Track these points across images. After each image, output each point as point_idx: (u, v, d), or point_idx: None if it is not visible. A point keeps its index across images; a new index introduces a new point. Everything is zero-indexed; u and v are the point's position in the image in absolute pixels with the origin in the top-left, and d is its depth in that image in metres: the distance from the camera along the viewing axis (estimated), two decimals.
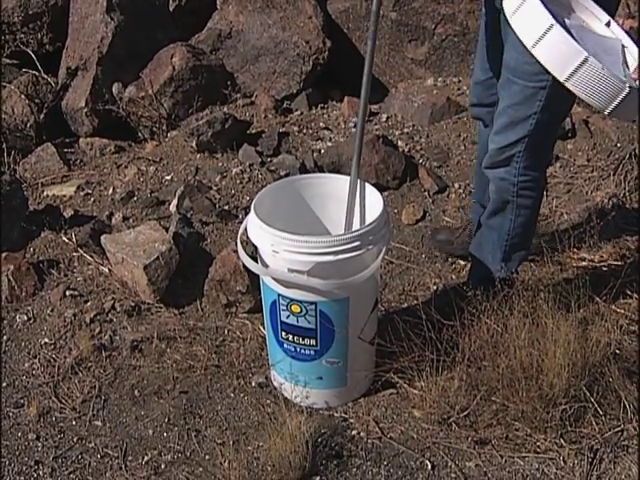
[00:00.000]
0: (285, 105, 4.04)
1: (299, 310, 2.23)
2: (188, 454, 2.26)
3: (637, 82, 1.97)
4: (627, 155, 3.40)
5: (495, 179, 2.48)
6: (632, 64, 2.08)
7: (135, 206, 3.42)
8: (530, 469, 2.16)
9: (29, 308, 2.91)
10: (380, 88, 4.37)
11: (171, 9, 4.56)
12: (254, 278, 2.70)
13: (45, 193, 3.71)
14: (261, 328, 2.69)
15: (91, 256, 3.11)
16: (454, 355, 2.27)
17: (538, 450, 2.20)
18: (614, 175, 3.38)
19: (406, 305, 2.80)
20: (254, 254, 2.34)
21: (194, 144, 3.61)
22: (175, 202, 3.34)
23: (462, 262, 2.99)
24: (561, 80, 1.94)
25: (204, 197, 3.32)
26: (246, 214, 3.33)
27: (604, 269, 2.82)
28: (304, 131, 3.78)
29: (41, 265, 3.06)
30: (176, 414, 2.40)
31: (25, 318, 2.87)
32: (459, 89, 4.21)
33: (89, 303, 2.89)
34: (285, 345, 2.33)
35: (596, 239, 2.84)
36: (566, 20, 2.11)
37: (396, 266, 3.03)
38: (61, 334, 2.77)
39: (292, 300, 2.22)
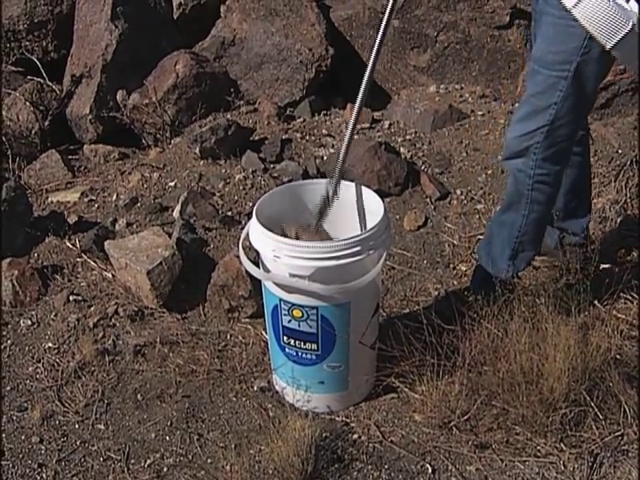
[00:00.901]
0: (288, 112, 4.06)
1: (300, 315, 2.24)
2: (190, 457, 2.27)
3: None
4: (628, 162, 3.42)
5: (512, 170, 2.53)
6: None
7: (139, 212, 3.44)
8: (530, 473, 2.17)
9: (33, 313, 2.93)
10: (382, 95, 4.40)
11: (175, 17, 4.58)
12: (256, 283, 2.70)
13: (49, 199, 3.73)
14: (263, 333, 2.70)
15: (95, 261, 3.13)
16: (455, 359, 2.29)
17: (538, 454, 2.21)
18: (615, 182, 3.39)
19: (407, 310, 2.82)
20: (256, 259, 2.36)
21: (197, 151, 3.63)
22: (178, 208, 3.36)
23: (463, 268, 3.01)
24: (569, 7, 2.00)
25: (207, 203, 3.35)
26: (249, 220, 3.38)
27: (605, 274, 2.82)
28: (307, 138, 3.81)
29: (45, 270, 3.08)
30: (178, 418, 2.42)
31: (29, 323, 2.89)
32: (461, 96, 4.23)
33: (93, 308, 2.91)
34: (287, 349, 2.34)
35: (597, 245, 2.85)
36: None
37: (398, 272, 3.05)
38: (65, 338, 2.79)
39: (293, 305, 2.23)
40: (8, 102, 4.35)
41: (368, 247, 2.18)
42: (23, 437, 2.40)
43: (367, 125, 3.92)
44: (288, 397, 2.44)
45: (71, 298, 2.97)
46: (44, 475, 2.27)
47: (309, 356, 2.32)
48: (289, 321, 2.28)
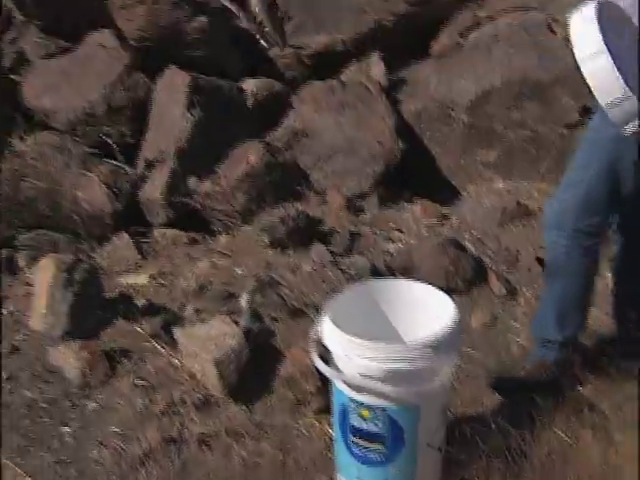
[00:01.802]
0: (357, 204, 4.15)
1: (369, 415, 2.27)
2: None
3: None
4: None
5: (550, 241, 2.68)
6: None
7: (207, 299, 3.52)
8: None
9: (100, 396, 3.00)
10: (450, 190, 4.47)
11: (248, 105, 4.74)
12: (325, 378, 2.75)
13: (120, 281, 3.83)
14: (328, 428, 2.72)
15: (163, 347, 3.20)
16: (522, 465, 2.28)
17: None
18: None
19: (474, 411, 2.82)
20: (325, 355, 2.40)
21: (267, 240, 3.72)
22: (246, 297, 3.43)
23: None
24: (579, 61, 2.17)
25: (275, 293, 3.41)
26: (317, 312, 3.44)
27: None
28: (376, 231, 3.87)
29: (114, 353, 3.15)
30: None
31: (96, 405, 2.95)
32: (528, 193, 4.28)
33: (159, 394, 2.96)
34: (353, 448, 2.36)
35: None
36: None
37: (464, 370, 3.05)
38: (131, 424, 2.84)
39: (362, 404, 2.26)
40: (83, 183, 4.51)
41: (440, 350, 2.20)
42: None
43: (435, 221, 3.97)
44: None
45: (138, 383, 3.02)
46: None
47: (376, 456, 2.33)
48: (357, 420, 2.30)
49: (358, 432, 2.33)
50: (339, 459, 2.48)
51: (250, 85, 4.78)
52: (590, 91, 2.19)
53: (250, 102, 4.72)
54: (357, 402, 2.28)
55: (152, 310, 3.53)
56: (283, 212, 3.85)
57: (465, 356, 3.14)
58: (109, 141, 4.69)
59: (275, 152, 4.22)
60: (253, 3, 5.13)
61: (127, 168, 4.56)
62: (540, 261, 3.52)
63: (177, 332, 3.12)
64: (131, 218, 4.46)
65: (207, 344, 3.01)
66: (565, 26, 2.45)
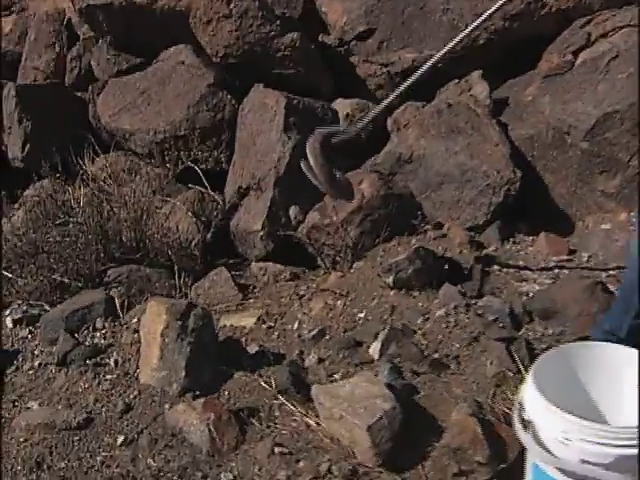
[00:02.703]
0: (476, 238, 3.75)
1: None
2: None
3: None
4: None
5: None
6: None
7: (328, 346, 3.14)
8: None
9: (233, 464, 2.61)
10: (565, 220, 4.07)
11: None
12: (496, 449, 2.37)
13: (222, 323, 3.43)
14: None
15: (293, 405, 2.80)
16: None
17: None
18: None
19: None
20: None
21: (389, 279, 3.32)
22: (378, 346, 3.04)
23: None
24: None
25: (410, 342, 3.01)
26: (457, 364, 3.04)
27: None
28: (504, 270, 3.47)
29: (241, 413, 2.75)
30: None
31: (230, 477, 2.56)
32: None
33: (302, 464, 2.57)
34: None
35: None
36: None
37: None
38: None
39: None
40: (167, 210, 4.12)
41: None
42: None
43: (564, 257, 3.57)
44: None
45: (276, 450, 2.61)
46: None
47: None
48: None
49: None
50: None
51: (344, 106, 4.37)
52: None
53: (344, 124, 4.31)
54: None
55: (267, 358, 3.15)
56: (406, 249, 3.43)
57: None
58: (193, 165, 4.28)
59: (389, 182, 3.80)
60: None
61: (215, 195, 4.14)
62: None
63: (317, 392, 2.71)
64: (222, 250, 4.07)
65: (356, 407, 2.61)
66: None
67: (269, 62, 4.47)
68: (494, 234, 3.77)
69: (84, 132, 4.77)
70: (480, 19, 2.83)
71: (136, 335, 3.11)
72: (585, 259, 3.63)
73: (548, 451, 1.97)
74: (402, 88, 2.99)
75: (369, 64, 4.80)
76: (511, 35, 4.67)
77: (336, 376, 3.03)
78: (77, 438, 2.74)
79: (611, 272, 3.52)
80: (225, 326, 3.44)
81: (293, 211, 3.88)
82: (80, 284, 3.56)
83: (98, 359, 3.07)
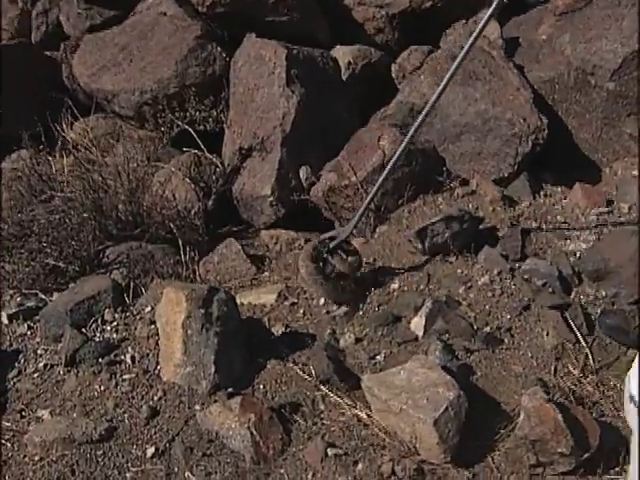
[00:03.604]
0: (507, 193, 3.39)
1: None
2: None
3: None
4: None
5: None
6: None
7: (364, 323, 2.79)
8: None
9: (282, 471, 2.27)
10: (592, 167, 3.74)
11: (344, 78, 3.93)
12: (577, 436, 2.16)
13: (238, 301, 3.04)
14: None
15: (339, 395, 2.45)
16: None
17: None
18: None
19: None
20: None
21: (421, 245, 2.96)
22: (421, 322, 2.70)
23: None
24: None
25: (458, 315, 2.67)
26: (511, 337, 2.72)
27: None
28: (542, 226, 3.13)
29: (283, 410, 2.39)
30: None
31: None
32: None
33: (360, 466, 2.24)
34: None
35: None
36: None
37: None
38: None
39: None
40: (161, 177, 3.69)
41: None
42: None
43: (604, 209, 3.24)
44: None
45: (329, 451, 2.27)
46: None
47: None
48: None
49: None
50: None
51: (344, 54, 3.95)
52: None
53: (347, 74, 3.89)
54: None
55: (296, 340, 2.80)
56: (431, 208, 3.08)
57: None
58: (185, 126, 3.84)
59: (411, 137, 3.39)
60: None
61: (213, 158, 3.71)
62: None
63: (369, 382, 2.37)
64: (223, 218, 3.65)
65: (416, 398, 2.28)
66: None
67: (261, 9, 4.03)
68: (524, 188, 3.43)
69: (59, 95, 4.27)
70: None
71: (152, 327, 2.73)
72: (625, 210, 3.29)
73: None
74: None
75: (364, 6, 4.36)
76: None
77: (378, 357, 2.69)
78: (101, 452, 2.36)
79: None
80: (242, 304, 3.05)
81: (304, 172, 3.49)
82: (77, 268, 3.14)
83: (112, 356, 2.68)
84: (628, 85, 3.66)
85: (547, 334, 2.67)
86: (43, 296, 3.02)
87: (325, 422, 2.43)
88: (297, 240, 3.41)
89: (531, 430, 2.22)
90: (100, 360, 2.65)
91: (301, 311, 2.99)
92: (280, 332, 2.87)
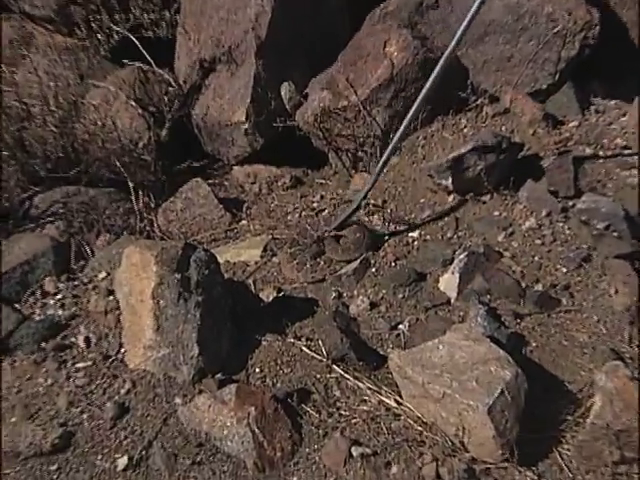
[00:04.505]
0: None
1: None
2: None
3: None
4: None
5: None
6: None
7: (379, 283, 2.73)
8: None
9: (294, 479, 2.20)
10: None
11: None
12: None
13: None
14: None
15: (357, 378, 2.40)
16: None
17: None
18: None
19: None
20: None
21: (448, 182, 2.90)
22: (454, 280, 2.65)
23: None
24: None
25: (500, 271, 2.63)
26: (570, 296, 2.70)
27: None
28: (599, 153, 3.08)
29: (289, 400, 2.35)
30: None
31: None
32: None
33: (395, 468, 2.20)
34: None
35: None
36: None
37: None
38: None
39: None
40: (97, 99, 3.56)
41: None
42: None
43: None
44: None
45: (353, 451, 2.22)
46: None
47: None
48: None
49: None
50: None
51: None
52: None
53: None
54: None
55: (295, 308, 2.75)
56: (454, 133, 3.01)
57: None
58: (127, 33, 3.69)
59: (425, 40, 3.31)
60: None
61: (164, 74, 3.59)
62: None
63: (398, 359, 2.33)
64: (179, 150, 3.55)
65: (462, 380, 2.24)
66: None
67: None
68: (569, 103, 3.37)
69: None
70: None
71: (111, 298, 2.63)
72: None
73: None
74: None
75: None
76: None
77: (401, 327, 2.66)
78: (54, 467, 2.28)
79: None
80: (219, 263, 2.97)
81: (286, 90, 3.39)
82: None
83: (59, 339, 2.58)
84: None
85: (615, 292, 2.65)
86: None
87: (343, 413, 2.39)
88: (280, 178, 3.32)
89: (615, 418, 2.20)
90: (43, 345, 2.55)
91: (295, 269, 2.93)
92: (271, 298, 2.81)
